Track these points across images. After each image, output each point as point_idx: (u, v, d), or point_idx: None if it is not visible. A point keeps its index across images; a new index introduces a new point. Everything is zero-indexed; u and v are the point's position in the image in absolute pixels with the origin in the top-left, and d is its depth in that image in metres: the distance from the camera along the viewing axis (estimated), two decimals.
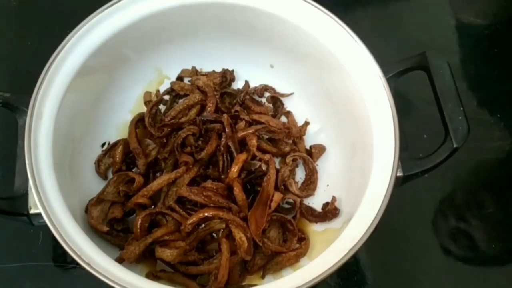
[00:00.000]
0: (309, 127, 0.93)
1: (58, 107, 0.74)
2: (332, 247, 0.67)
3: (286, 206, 0.86)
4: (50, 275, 0.85)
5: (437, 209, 0.92)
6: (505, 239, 0.91)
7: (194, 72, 0.95)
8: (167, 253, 0.74)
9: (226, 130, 0.83)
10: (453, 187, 0.96)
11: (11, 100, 0.75)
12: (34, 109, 0.71)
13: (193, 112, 0.88)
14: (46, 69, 0.74)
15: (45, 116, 0.72)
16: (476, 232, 0.92)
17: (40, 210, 0.65)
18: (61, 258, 0.86)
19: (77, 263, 0.63)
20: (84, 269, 0.63)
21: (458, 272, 0.89)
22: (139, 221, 0.77)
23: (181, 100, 0.90)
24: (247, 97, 0.92)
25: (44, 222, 0.65)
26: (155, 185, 0.81)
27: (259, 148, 0.85)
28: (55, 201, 0.67)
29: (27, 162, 0.68)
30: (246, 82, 0.95)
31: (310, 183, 0.87)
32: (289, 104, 0.95)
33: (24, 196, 0.69)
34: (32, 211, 0.68)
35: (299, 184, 0.88)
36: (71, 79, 0.76)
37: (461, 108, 0.74)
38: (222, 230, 0.79)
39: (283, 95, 0.94)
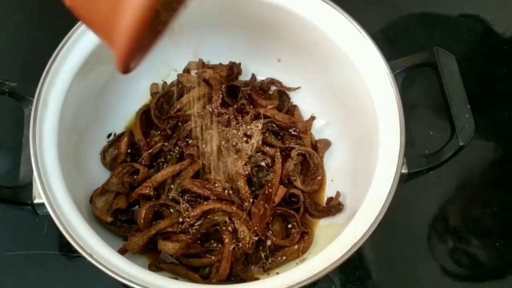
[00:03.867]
0: (314, 121, 0.92)
1: (64, 97, 0.73)
2: (336, 242, 0.67)
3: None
4: (55, 264, 0.85)
5: (442, 206, 0.92)
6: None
7: (201, 64, 0.94)
8: (169, 246, 0.74)
9: (232, 123, 0.83)
10: (459, 185, 0.95)
11: (17, 89, 0.74)
12: (40, 99, 0.71)
13: (199, 104, 0.88)
14: (52, 59, 0.73)
15: (51, 105, 0.72)
16: (481, 230, 0.91)
17: (43, 200, 0.66)
18: (65, 247, 0.86)
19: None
20: (86, 259, 0.63)
21: (461, 269, 0.88)
22: (143, 213, 0.78)
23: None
24: (254, 90, 0.92)
25: (48, 211, 0.65)
26: (159, 176, 0.81)
27: (265, 142, 0.85)
28: (59, 191, 0.67)
29: (31, 152, 0.68)
30: (253, 75, 0.95)
31: (314, 178, 0.86)
32: (295, 98, 0.95)
33: (29, 185, 0.69)
34: (36, 201, 0.68)
35: None
36: (78, 69, 0.75)
37: (468, 106, 0.73)
38: (225, 222, 0.79)
39: (289, 89, 0.94)
